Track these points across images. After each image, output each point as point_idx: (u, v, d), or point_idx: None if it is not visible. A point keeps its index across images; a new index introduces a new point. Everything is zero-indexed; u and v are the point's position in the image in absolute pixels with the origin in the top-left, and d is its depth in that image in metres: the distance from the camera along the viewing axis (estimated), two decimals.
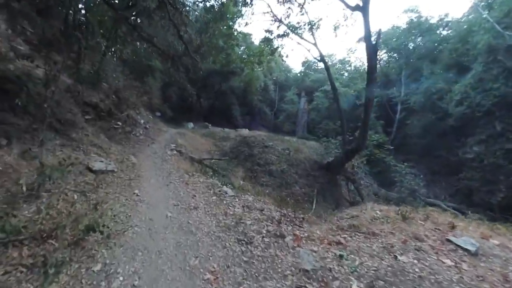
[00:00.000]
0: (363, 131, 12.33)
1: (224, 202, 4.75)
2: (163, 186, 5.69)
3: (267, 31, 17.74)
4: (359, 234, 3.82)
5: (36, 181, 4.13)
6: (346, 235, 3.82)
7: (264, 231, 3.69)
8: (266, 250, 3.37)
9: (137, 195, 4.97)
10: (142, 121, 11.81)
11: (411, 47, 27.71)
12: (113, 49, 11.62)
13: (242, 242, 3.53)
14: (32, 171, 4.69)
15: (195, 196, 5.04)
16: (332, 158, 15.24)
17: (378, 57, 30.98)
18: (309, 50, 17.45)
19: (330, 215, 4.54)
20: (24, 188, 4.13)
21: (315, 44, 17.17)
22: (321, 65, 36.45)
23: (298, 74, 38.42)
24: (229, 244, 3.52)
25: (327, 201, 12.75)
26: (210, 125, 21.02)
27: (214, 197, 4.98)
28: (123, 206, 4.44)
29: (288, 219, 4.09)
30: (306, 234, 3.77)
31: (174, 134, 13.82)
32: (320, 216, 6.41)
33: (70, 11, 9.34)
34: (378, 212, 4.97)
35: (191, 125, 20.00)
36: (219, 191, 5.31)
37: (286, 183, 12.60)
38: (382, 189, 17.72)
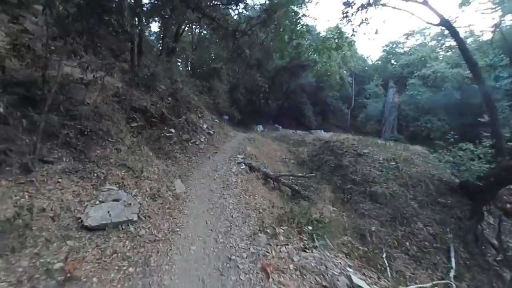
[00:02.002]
0: None
1: None
2: (212, 274, 2.35)
3: (345, 3, 12.62)
4: None
5: None
6: None
7: None
8: None
9: None
10: (204, 126, 9.31)
11: None
12: (172, 46, 9.57)
13: None
14: None
15: None
16: (465, 174, 9.16)
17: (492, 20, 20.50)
18: (412, 15, 11.58)
19: None
20: None
21: (424, 2, 11.26)
22: (410, 43, 27.96)
23: (378, 62, 30.82)
24: None
25: (470, 252, 7.15)
26: (280, 127, 17.62)
27: None
28: None
29: None
30: None
31: (242, 140, 10.95)
32: None
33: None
34: None
35: (260, 127, 17.08)
36: None
37: (402, 216, 7.74)
38: None
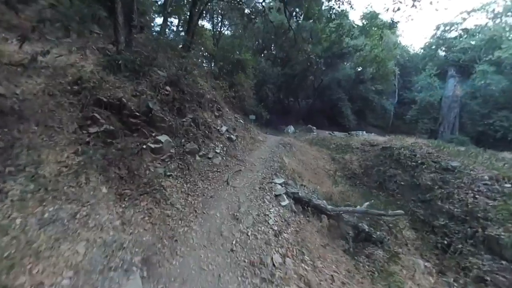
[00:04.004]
0: None
1: None
2: None
3: None
4: None
5: None
6: None
7: None
8: None
9: None
10: (223, 129, 6.48)
11: None
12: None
13: None
14: None
15: None
16: None
17: None
18: None
19: None
20: None
21: None
22: (468, 24, 21.78)
23: (423, 51, 25.09)
24: None
25: None
26: (315, 128, 14.18)
27: None
28: None
29: None
30: None
31: (275, 147, 7.93)
32: None
33: None
34: None
35: (291, 129, 13.88)
36: None
37: None
38: None
